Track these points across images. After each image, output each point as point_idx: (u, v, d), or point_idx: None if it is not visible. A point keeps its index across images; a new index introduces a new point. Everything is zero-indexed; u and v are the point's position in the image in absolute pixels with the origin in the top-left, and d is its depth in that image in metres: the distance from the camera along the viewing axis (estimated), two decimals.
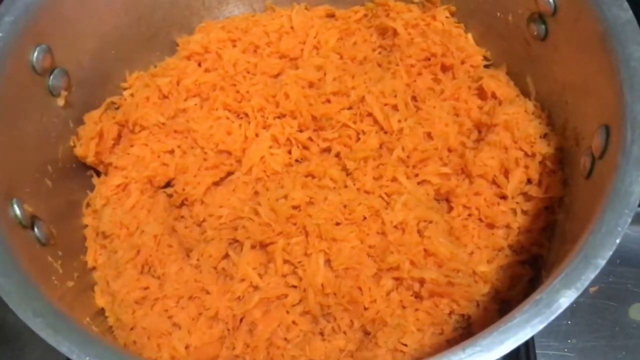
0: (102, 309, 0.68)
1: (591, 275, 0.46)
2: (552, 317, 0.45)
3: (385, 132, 0.74)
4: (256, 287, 0.67)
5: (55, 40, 0.66)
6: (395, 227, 0.67)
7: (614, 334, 0.76)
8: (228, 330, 0.66)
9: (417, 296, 0.65)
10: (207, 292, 0.67)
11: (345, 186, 0.72)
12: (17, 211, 0.58)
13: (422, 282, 0.64)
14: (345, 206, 0.69)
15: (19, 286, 0.50)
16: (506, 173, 0.69)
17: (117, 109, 0.78)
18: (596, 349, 0.76)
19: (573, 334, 0.76)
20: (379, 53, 0.81)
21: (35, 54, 0.63)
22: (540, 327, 0.45)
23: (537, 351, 0.74)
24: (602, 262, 0.46)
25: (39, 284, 0.52)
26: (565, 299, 0.45)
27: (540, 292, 0.46)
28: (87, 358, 0.45)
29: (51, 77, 0.67)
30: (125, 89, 0.79)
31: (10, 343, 0.79)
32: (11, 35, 0.61)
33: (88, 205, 0.73)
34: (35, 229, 0.60)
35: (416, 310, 0.64)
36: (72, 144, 0.71)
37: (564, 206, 0.66)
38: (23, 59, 0.63)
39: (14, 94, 0.61)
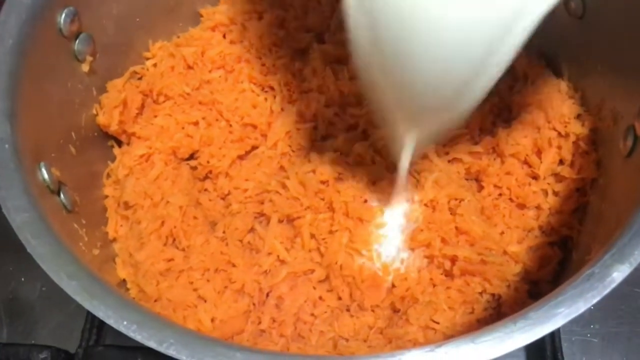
0: (124, 281, 0.66)
1: None
2: (606, 292, 0.44)
3: None
4: (283, 262, 0.66)
5: (82, 4, 0.64)
6: (426, 204, 0.66)
7: (637, 320, 0.75)
8: (254, 304, 0.64)
9: (448, 274, 0.64)
10: (233, 265, 0.66)
11: (374, 162, 0.70)
12: (45, 175, 0.56)
13: (453, 260, 0.63)
14: (374, 183, 0.68)
15: (51, 248, 0.48)
16: (538, 153, 0.68)
17: (139, 79, 0.76)
18: (619, 334, 0.75)
19: (596, 320, 0.75)
20: None
21: (63, 16, 0.61)
22: (594, 301, 0.44)
23: (562, 336, 0.73)
24: None
25: (70, 248, 0.50)
26: (619, 274, 0.44)
27: (592, 266, 0.45)
28: (125, 323, 0.44)
29: (77, 41, 0.65)
30: (147, 58, 0.77)
31: (23, 317, 0.77)
32: None
33: (109, 175, 0.72)
34: (62, 195, 0.58)
35: (447, 288, 0.62)
36: (94, 112, 0.70)
37: (597, 188, 0.65)
38: (51, 21, 0.61)
39: (42, 56, 0.59)
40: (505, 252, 0.65)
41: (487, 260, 0.62)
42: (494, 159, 0.70)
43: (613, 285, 0.44)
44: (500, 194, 0.69)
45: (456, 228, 0.64)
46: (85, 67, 0.66)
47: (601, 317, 0.75)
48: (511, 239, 0.66)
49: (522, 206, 0.68)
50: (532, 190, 0.68)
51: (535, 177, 0.68)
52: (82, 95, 0.67)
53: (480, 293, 0.63)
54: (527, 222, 0.67)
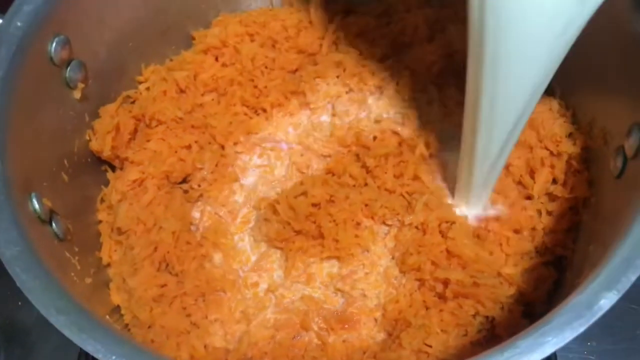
0: (118, 307, 0.66)
1: (632, 277, 0.45)
2: (594, 319, 0.44)
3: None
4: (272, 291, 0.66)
5: (73, 31, 0.64)
6: (417, 227, 0.66)
7: (634, 337, 0.75)
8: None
9: (441, 297, 0.64)
10: (224, 292, 0.66)
11: (366, 184, 0.70)
12: (36, 205, 0.56)
13: (446, 282, 0.63)
14: (366, 205, 0.68)
15: (41, 282, 0.48)
16: (532, 173, 0.68)
17: (132, 103, 0.76)
18: (616, 352, 0.75)
19: (593, 337, 0.75)
20: (399, 49, 0.80)
21: (54, 44, 0.61)
22: (581, 329, 0.44)
23: (557, 353, 0.73)
24: None
25: (60, 281, 0.50)
26: (606, 301, 0.44)
27: (579, 293, 0.45)
28: (114, 357, 0.44)
29: (68, 69, 0.65)
30: (140, 82, 0.77)
31: (20, 341, 0.78)
32: (30, 25, 0.59)
33: (102, 200, 0.72)
34: (53, 224, 0.58)
35: (440, 311, 0.62)
36: (87, 137, 0.70)
37: (590, 207, 0.65)
38: (41, 50, 0.61)
39: (32, 86, 0.60)
40: (499, 274, 0.64)
41: (480, 283, 0.62)
42: None
43: (601, 313, 0.44)
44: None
45: (447, 251, 0.64)
46: (77, 94, 0.66)
47: (598, 334, 0.75)
48: (506, 261, 0.66)
49: (516, 228, 0.68)
50: (529, 215, 0.67)
51: (528, 197, 0.68)
52: (74, 122, 0.67)
53: (474, 315, 0.63)
54: (522, 244, 0.67)
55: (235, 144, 0.74)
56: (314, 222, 0.66)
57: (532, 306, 0.64)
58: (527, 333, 0.44)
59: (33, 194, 0.57)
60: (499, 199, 0.68)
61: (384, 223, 0.68)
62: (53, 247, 0.58)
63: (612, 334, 0.75)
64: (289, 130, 0.76)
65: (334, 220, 0.66)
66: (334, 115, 0.77)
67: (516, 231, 0.67)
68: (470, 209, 0.68)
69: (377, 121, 0.74)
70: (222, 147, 0.74)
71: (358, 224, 0.67)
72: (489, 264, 0.63)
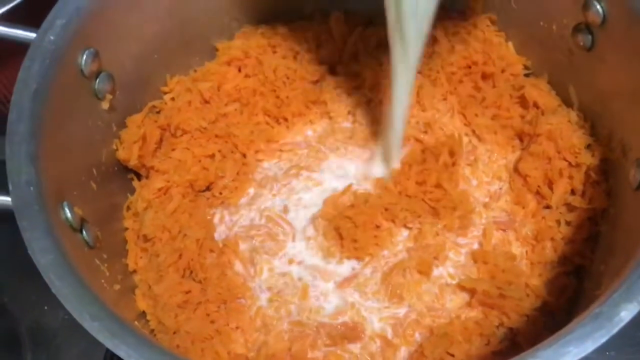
0: (144, 312, 0.68)
1: None
2: (614, 331, 0.45)
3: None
4: None
5: (102, 44, 0.66)
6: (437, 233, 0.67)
7: None
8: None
9: (466, 306, 0.64)
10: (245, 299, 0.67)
11: (386, 189, 0.72)
12: (68, 214, 0.58)
13: (473, 292, 0.63)
14: (386, 209, 0.69)
15: (74, 289, 0.50)
16: (550, 184, 0.69)
17: (157, 112, 0.78)
18: None
19: (612, 347, 0.75)
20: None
21: (84, 57, 0.63)
22: (602, 340, 0.44)
23: None
24: None
25: (91, 287, 0.52)
26: (627, 312, 0.45)
27: (600, 304, 0.46)
28: None
29: (97, 80, 0.66)
30: (165, 93, 0.79)
31: (46, 344, 0.79)
32: (62, 39, 0.61)
33: (128, 208, 0.73)
34: (84, 232, 0.60)
35: (464, 319, 0.63)
36: (114, 147, 0.71)
37: (608, 217, 0.66)
38: (72, 62, 0.63)
39: (64, 97, 0.61)
40: (526, 285, 0.65)
41: (506, 295, 0.62)
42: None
43: (621, 324, 0.45)
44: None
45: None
46: (105, 105, 0.68)
47: (617, 344, 0.75)
48: (532, 272, 0.67)
49: (537, 238, 0.69)
50: (548, 225, 0.68)
51: (546, 207, 0.69)
52: (103, 132, 0.69)
53: (497, 326, 0.63)
54: (545, 253, 0.67)
55: (256, 152, 0.76)
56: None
57: (553, 316, 0.65)
58: (548, 343, 0.45)
59: (65, 203, 0.58)
60: (517, 209, 0.69)
61: (404, 226, 0.69)
62: (84, 254, 0.59)
63: (632, 344, 0.75)
64: (307, 133, 0.77)
65: (354, 223, 0.67)
66: (354, 122, 0.78)
67: (537, 240, 0.68)
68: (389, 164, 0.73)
69: None
70: (244, 156, 0.76)
71: (377, 226, 0.68)
72: (517, 275, 0.64)
